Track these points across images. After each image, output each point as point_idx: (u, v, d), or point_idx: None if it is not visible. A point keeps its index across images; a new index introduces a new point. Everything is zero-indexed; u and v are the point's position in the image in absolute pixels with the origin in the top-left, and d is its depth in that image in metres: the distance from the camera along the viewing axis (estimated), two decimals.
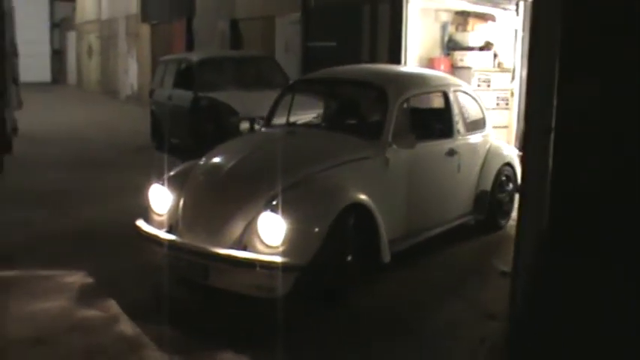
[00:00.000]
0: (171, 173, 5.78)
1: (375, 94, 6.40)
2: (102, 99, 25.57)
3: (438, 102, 6.81)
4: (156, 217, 5.48)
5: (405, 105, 6.13)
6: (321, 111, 7.43)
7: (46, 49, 34.18)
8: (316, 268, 4.88)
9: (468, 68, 10.92)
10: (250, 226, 4.96)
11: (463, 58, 11.09)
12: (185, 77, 11.82)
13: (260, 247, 4.86)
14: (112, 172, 10.37)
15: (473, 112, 7.09)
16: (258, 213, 4.95)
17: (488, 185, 7.02)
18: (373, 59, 10.21)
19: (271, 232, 4.85)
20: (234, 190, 5.26)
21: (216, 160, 5.76)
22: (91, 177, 9.96)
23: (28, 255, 6.38)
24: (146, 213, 5.56)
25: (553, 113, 4.60)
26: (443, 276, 5.96)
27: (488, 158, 7.09)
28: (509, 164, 7.34)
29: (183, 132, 11.44)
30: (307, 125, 6.95)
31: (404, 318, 5.12)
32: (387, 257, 5.44)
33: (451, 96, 6.69)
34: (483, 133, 7.16)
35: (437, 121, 6.74)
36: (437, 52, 11.44)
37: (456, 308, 5.30)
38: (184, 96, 11.46)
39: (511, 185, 7.39)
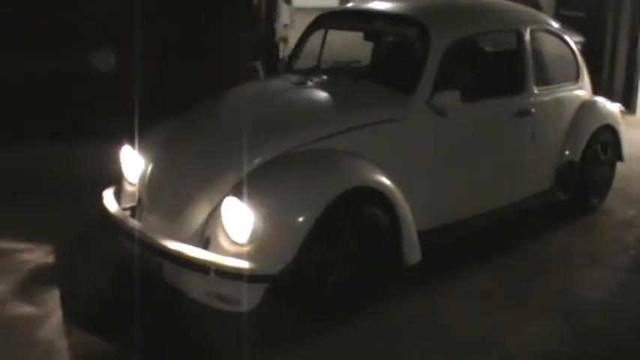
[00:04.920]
0: (145, 132, 4.35)
1: (414, 32, 4.60)
2: None
3: (509, 44, 5.18)
4: (128, 187, 4.23)
5: (454, 50, 4.45)
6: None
7: None
8: (295, 279, 3.48)
9: None
10: (214, 214, 3.60)
11: None
12: None
13: (224, 243, 3.52)
14: None
15: (560, 59, 5.51)
16: (224, 197, 3.58)
17: (577, 155, 5.39)
18: (615, 32, 9.91)
19: (236, 224, 3.48)
20: (202, 163, 3.83)
21: (193, 118, 4.32)
22: None
23: None
24: (120, 180, 4.32)
25: None
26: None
27: (579, 119, 5.46)
28: (609, 126, 5.66)
29: None
30: (333, 71, 4.98)
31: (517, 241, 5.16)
32: (412, 257, 3.99)
33: (527, 37, 5.00)
34: (575, 86, 5.53)
35: (503, 71, 5.07)
36: None
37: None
38: None
39: (610, 154, 5.77)
